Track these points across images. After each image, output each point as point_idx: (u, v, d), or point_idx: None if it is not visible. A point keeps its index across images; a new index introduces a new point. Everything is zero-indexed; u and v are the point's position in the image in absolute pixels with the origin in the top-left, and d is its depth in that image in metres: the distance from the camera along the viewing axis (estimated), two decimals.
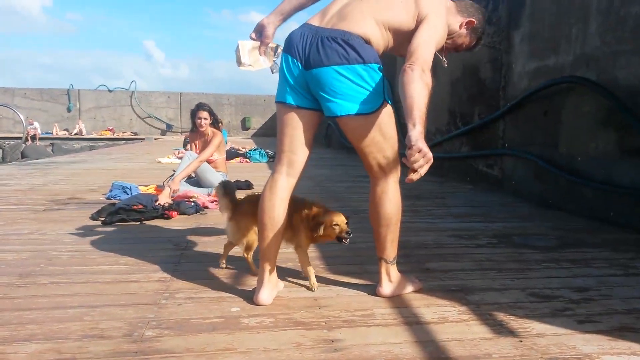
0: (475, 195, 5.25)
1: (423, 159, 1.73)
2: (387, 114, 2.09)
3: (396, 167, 2.15)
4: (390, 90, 2.12)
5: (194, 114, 5.19)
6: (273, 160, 9.73)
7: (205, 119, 5.12)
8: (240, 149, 11.44)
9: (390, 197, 2.15)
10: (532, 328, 1.88)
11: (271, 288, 2.14)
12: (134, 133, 24.26)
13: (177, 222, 3.78)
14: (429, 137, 7.47)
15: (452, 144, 6.69)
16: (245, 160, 10.01)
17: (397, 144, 2.13)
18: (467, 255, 2.91)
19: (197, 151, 5.14)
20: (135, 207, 3.81)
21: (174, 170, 5.03)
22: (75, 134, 23.31)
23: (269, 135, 22.85)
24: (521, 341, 1.77)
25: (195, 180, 5.10)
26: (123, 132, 24.29)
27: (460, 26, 2.19)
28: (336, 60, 1.95)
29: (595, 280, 2.45)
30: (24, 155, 16.48)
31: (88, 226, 3.56)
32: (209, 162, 5.07)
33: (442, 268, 2.65)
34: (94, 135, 23.31)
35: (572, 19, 4.30)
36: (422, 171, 1.73)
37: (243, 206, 2.47)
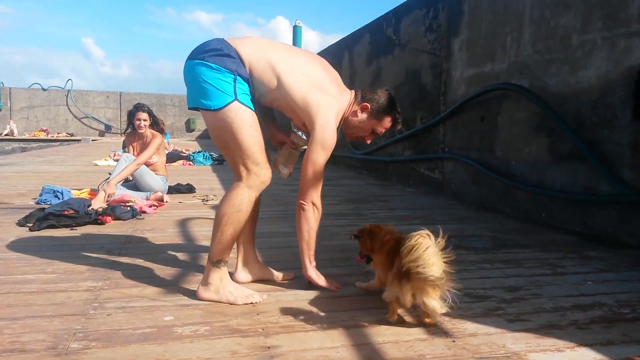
0: (417, 198, 5.36)
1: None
2: (237, 116, 2.11)
3: (252, 175, 2.15)
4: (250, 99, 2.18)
5: (132, 115, 5.02)
6: (218, 163, 9.57)
7: (144, 120, 4.96)
8: (184, 151, 11.18)
9: (231, 196, 2.16)
10: (465, 328, 1.93)
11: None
12: (70, 134, 23.21)
13: (112, 228, 3.63)
14: (374, 142, 7.59)
15: (395, 148, 6.81)
16: (188, 163, 9.79)
17: (250, 149, 2.13)
18: None
19: (135, 153, 4.97)
20: (66, 212, 3.62)
21: (110, 174, 4.84)
22: (6, 135, 22.04)
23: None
24: (454, 341, 1.80)
25: (132, 183, 4.93)
26: (58, 133, 23.19)
27: (355, 114, 2.36)
28: (196, 56, 2.14)
29: (526, 280, 2.55)
30: None
31: (14, 233, 3.36)
32: (147, 164, 4.92)
33: None
34: (26, 136, 22.12)
35: (508, 27, 4.48)
36: None
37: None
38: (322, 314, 2.06)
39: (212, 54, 2.11)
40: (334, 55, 9.34)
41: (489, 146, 4.74)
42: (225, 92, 2.09)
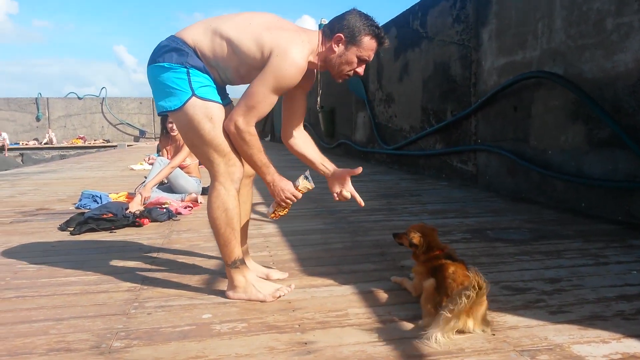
0: (450, 192, 5.29)
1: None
2: (196, 112, 2.05)
3: (220, 170, 2.09)
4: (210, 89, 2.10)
5: (164, 119, 5.11)
6: None
7: None
8: None
9: (211, 199, 2.13)
10: (504, 321, 1.89)
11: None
12: (106, 140, 23.87)
13: (149, 230, 3.71)
14: (403, 135, 7.53)
15: (426, 142, 6.73)
16: None
17: (213, 142, 2.06)
18: None
19: (169, 157, 5.06)
20: (104, 216, 3.72)
21: (146, 177, 4.94)
22: (45, 143, 22.81)
23: None
24: (494, 334, 1.77)
25: (167, 186, 5.02)
26: (95, 140, 23.88)
27: (331, 50, 2.09)
28: (150, 60, 2.10)
29: (567, 271, 2.48)
30: None
31: (56, 237, 3.47)
32: (181, 167, 5.00)
33: None
34: (64, 144, 22.85)
35: (538, 14, 4.37)
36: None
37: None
38: (358, 309, 2.05)
39: (162, 53, 2.06)
40: None
41: (523, 136, 4.64)
42: (181, 89, 2.03)
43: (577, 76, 3.94)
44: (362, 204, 2.26)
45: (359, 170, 2.25)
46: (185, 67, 2.04)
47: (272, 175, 2.14)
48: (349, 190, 2.29)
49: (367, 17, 2.08)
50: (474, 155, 5.59)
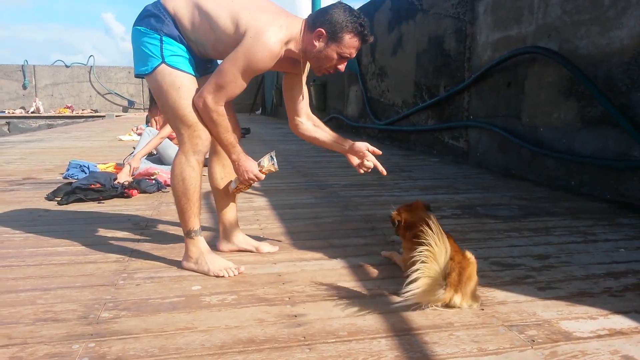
0: (441, 168, 5.28)
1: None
2: (164, 79, 2.03)
3: (184, 140, 2.08)
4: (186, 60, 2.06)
5: None
6: (241, 136, 9.55)
7: None
8: None
9: (173, 167, 2.13)
10: (493, 296, 1.90)
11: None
12: (94, 110, 23.50)
13: (138, 201, 3.67)
14: (395, 110, 7.49)
15: (418, 117, 6.70)
16: None
17: (178, 112, 2.04)
18: None
19: (158, 127, 4.99)
20: (92, 186, 3.67)
21: (134, 148, 4.88)
22: (32, 112, 22.44)
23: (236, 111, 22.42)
24: (483, 309, 1.78)
25: (157, 157, 4.96)
26: (83, 110, 23.51)
27: (312, 44, 2.01)
28: (134, 22, 2.08)
29: (556, 248, 2.50)
30: None
31: (43, 207, 3.43)
32: (170, 138, 4.93)
33: None
34: (52, 114, 22.48)
35: None
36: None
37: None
38: (348, 282, 2.05)
39: (142, 17, 2.05)
40: None
41: (516, 112, 4.62)
42: (152, 55, 2.02)
43: (572, 52, 3.90)
44: (385, 172, 2.23)
45: (378, 152, 2.25)
46: (159, 35, 2.02)
47: (238, 154, 2.13)
48: (370, 160, 2.25)
49: (351, 13, 1.99)
50: (465, 132, 5.58)
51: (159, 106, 2.16)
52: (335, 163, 5.49)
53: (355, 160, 2.29)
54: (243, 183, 2.22)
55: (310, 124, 2.34)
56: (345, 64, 2.10)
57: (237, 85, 1.99)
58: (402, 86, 7.19)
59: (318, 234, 2.80)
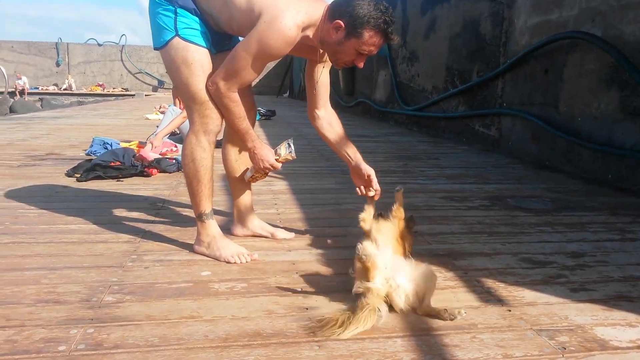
0: (470, 156, 5.09)
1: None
2: (177, 54, 1.92)
3: (195, 119, 1.97)
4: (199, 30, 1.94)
5: None
6: (265, 119, 9.47)
7: None
8: None
9: (184, 148, 2.04)
10: (522, 296, 1.76)
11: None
12: (125, 89, 23.78)
13: (157, 180, 3.61)
14: (425, 96, 7.27)
15: (448, 103, 6.48)
16: None
17: (190, 89, 1.94)
18: (458, 218, 2.78)
19: (182, 107, 4.93)
20: (112, 164, 3.63)
21: (157, 127, 4.83)
22: (65, 89, 22.82)
23: (263, 94, 22.34)
24: (510, 310, 1.64)
25: (179, 137, 4.91)
26: (114, 88, 23.81)
27: (329, 34, 1.86)
28: None
29: (591, 246, 2.32)
30: (12, 110, 16.09)
31: (62, 183, 3.40)
32: None
33: (430, 231, 2.51)
34: (83, 91, 22.83)
35: None
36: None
37: None
38: None
39: None
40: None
41: (553, 101, 4.38)
42: (166, 28, 1.92)
43: (616, 38, 3.65)
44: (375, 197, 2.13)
45: (376, 196, 2.13)
46: (174, 6, 1.91)
47: (253, 142, 2.01)
48: (375, 189, 2.12)
49: (377, 7, 1.80)
50: (497, 119, 5.35)
51: (173, 81, 2.05)
52: (360, 148, 5.33)
53: (357, 182, 2.18)
54: (259, 172, 2.11)
55: (325, 122, 2.19)
56: (364, 60, 1.93)
57: (249, 71, 1.88)
58: (433, 71, 6.96)
59: (337, 221, 2.68)
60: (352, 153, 2.18)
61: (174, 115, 4.64)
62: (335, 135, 2.20)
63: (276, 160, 2.06)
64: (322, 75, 2.14)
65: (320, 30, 1.89)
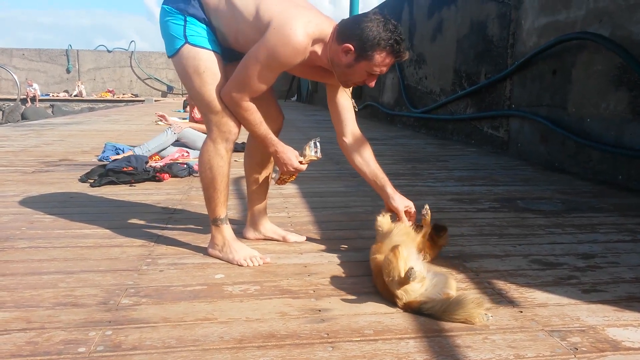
0: (479, 158, 5.09)
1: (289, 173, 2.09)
2: (188, 61, 1.94)
3: (212, 127, 1.99)
4: (206, 37, 1.95)
5: None
6: None
7: None
8: None
9: (201, 154, 2.05)
10: (533, 298, 1.77)
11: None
12: (134, 95, 23.99)
13: (169, 185, 3.66)
14: (433, 98, 7.28)
15: (456, 105, 6.48)
16: None
17: (205, 97, 1.95)
18: (467, 220, 2.79)
19: (194, 113, 5.01)
20: (125, 169, 3.68)
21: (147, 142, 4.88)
22: (75, 96, 23.05)
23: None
24: (521, 312, 1.65)
25: (181, 143, 4.96)
26: (123, 94, 24.02)
27: (338, 57, 1.85)
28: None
29: (602, 247, 2.33)
30: (24, 117, 16.29)
31: (76, 189, 3.45)
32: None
33: None
34: (94, 97, 23.05)
35: None
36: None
37: None
38: None
39: None
40: (393, 8, 8.93)
41: (561, 102, 4.38)
42: (176, 36, 1.94)
43: (625, 38, 3.65)
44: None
45: (409, 220, 2.15)
46: (183, 15, 1.93)
47: (275, 146, 2.02)
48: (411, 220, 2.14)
49: (386, 27, 1.79)
50: (506, 121, 5.35)
51: (187, 87, 2.07)
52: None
53: (393, 209, 2.16)
54: (285, 174, 2.11)
55: (356, 152, 2.15)
56: (376, 79, 1.93)
57: (260, 80, 1.87)
58: (440, 73, 6.97)
59: (347, 224, 2.70)
60: (383, 184, 2.16)
61: (165, 140, 4.67)
62: (364, 167, 2.16)
63: (300, 162, 2.05)
64: (342, 98, 2.12)
65: (330, 49, 1.88)
